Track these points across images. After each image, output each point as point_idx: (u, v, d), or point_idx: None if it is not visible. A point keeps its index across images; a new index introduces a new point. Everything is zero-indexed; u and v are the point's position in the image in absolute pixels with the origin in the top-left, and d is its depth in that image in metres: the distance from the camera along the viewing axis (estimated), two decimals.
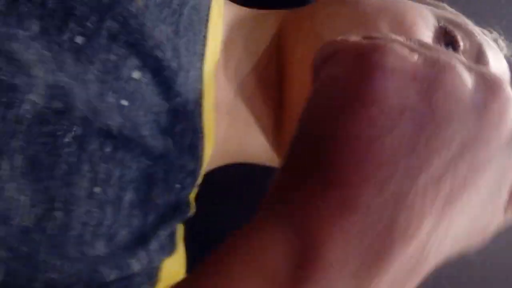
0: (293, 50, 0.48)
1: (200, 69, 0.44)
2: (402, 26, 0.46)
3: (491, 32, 0.54)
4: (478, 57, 0.48)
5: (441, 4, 0.54)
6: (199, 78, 0.44)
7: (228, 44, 0.49)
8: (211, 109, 0.46)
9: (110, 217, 0.39)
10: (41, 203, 0.36)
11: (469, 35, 0.49)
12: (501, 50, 0.52)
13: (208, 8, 0.45)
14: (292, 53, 0.48)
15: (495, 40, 0.53)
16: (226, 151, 0.51)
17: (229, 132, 0.50)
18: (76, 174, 0.37)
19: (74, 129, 0.36)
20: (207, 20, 0.44)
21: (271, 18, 0.52)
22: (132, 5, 0.38)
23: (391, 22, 0.46)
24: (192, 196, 0.47)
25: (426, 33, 0.47)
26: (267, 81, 0.49)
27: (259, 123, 0.50)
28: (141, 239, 0.42)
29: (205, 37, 0.44)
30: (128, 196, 0.40)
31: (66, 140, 0.36)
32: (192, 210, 0.47)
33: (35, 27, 0.35)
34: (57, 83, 0.36)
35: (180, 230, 0.48)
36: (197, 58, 0.43)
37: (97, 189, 0.38)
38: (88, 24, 0.37)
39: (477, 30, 0.50)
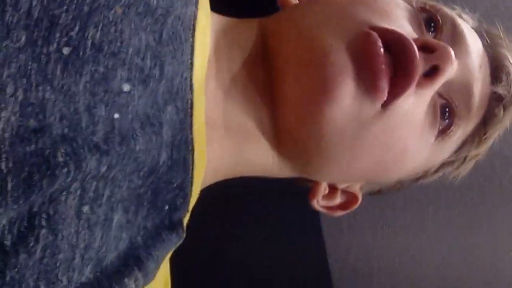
0: (278, 52, 0.48)
1: (189, 78, 0.42)
2: (377, 11, 0.47)
3: (454, 9, 0.56)
4: (453, 28, 0.51)
5: None
6: (187, 88, 0.42)
7: (215, 53, 0.48)
8: (202, 121, 0.44)
9: (99, 239, 0.37)
10: (19, 220, 0.34)
11: (441, 11, 0.51)
12: (467, 23, 0.55)
13: (194, 18, 0.44)
14: (278, 55, 0.48)
15: (459, 15, 0.55)
16: (221, 166, 0.49)
17: (224, 145, 0.48)
18: (65, 190, 0.35)
19: (61, 147, 0.34)
20: (193, 29, 0.43)
21: (250, 26, 0.51)
22: (111, 12, 0.37)
23: (366, 9, 0.47)
24: (185, 219, 0.45)
25: (400, 13, 0.49)
26: (257, 87, 0.48)
27: (255, 130, 0.49)
28: (132, 261, 0.40)
29: (192, 46, 0.43)
30: (117, 217, 0.39)
31: (60, 159, 0.34)
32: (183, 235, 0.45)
33: (22, 38, 0.34)
34: (32, 101, 0.34)
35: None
36: (185, 67, 0.42)
37: (85, 208, 0.36)
38: (73, 33, 0.36)
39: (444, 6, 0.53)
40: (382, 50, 0.43)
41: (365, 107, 0.45)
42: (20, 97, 0.34)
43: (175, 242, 0.43)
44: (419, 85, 0.45)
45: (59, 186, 0.35)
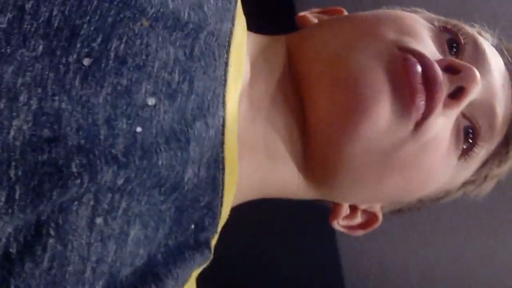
0: (308, 71, 0.47)
1: (221, 95, 0.41)
2: (405, 31, 0.47)
3: (473, 26, 0.56)
4: (475, 47, 0.51)
5: (419, 10, 0.56)
6: (220, 105, 0.41)
7: (249, 71, 0.47)
8: (234, 140, 0.43)
9: (112, 254, 0.36)
10: (26, 228, 0.33)
11: (462, 30, 0.51)
12: (487, 40, 0.54)
13: (230, 34, 0.43)
14: (308, 74, 0.47)
15: (479, 33, 0.55)
16: (247, 187, 0.48)
17: (251, 165, 0.47)
18: (77, 200, 0.34)
19: (76, 158, 0.34)
20: (228, 46, 0.42)
21: (280, 43, 0.51)
22: (137, 25, 0.36)
23: (394, 28, 0.47)
24: (213, 240, 0.44)
25: (425, 32, 0.49)
26: (287, 106, 0.47)
27: (284, 151, 0.48)
28: (150, 278, 0.39)
29: (226, 63, 0.42)
30: (134, 232, 0.37)
31: (74, 170, 0.34)
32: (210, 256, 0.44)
33: (39, 47, 0.34)
34: (47, 110, 0.34)
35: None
36: (217, 83, 0.41)
37: (99, 220, 0.36)
38: (95, 45, 0.35)
39: (465, 25, 0.53)
40: (420, 70, 0.44)
41: (399, 128, 0.45)
42: (34, 106, 0.33)
43: (198, 262, 0.42)
44: (445, 105, 0.45)
45: (70, 197, 0.34)
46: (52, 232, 0.34)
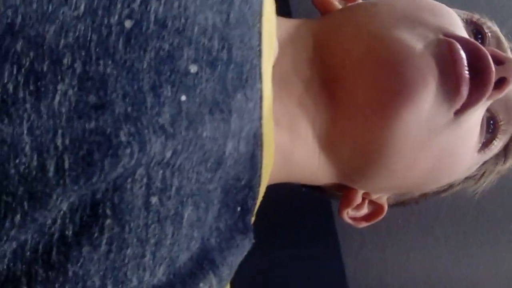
0: (346, 52, 0.46)
1: (258, 66, 0.39)
2: (444, 17, 0.46)
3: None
4: (498, 44, 0.51)
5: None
6: (257, 76, 0.39)
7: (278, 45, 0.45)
8: (270, 114, 0.41)
9: (170, 236, 0.34)
10: (81, 207, 0.31)
11: (485, 25, 0.51)
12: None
13: (261, 3, 0.41)
14: (347, 54, 0.45)
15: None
16: (274, 167, 0.45)
17: (277, 143, 0.44)
18: (130, 177, 0.32)
19: (125, 126, 0.31)
20: (260, 15, 0.40)
21: (303, 26, 0.50)
22: None
23: (431, 13, 0.46)
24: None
25: (458, 22, 0.48)
26: (313, 86, 0.46)
27: (305, 130, 0.46)
28: (207, 264, 0.37)
29: (260, 33, 0.40)
30: (188, 213, 0.35)
31: (123, 139, 0.31)
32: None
33: (81, 5, 0.31)
34: (92, 75, 0.31)
35: None
36: (253, 54, 0.39)
37: (154, 199, 0.33)
38: (134, 6, 0.33)
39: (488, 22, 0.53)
40: (465, 57, 0.43)
41: (440, 114, 0.43)
42: (79, 70, 0.31)
43: (247, 248, 0.40)
44: (490, 95, 0.44)
45: (123, 170, 0.31)
46: (108, 212, 0.31)
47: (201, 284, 0.35)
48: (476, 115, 0.45)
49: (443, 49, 0.43)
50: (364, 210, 0.55)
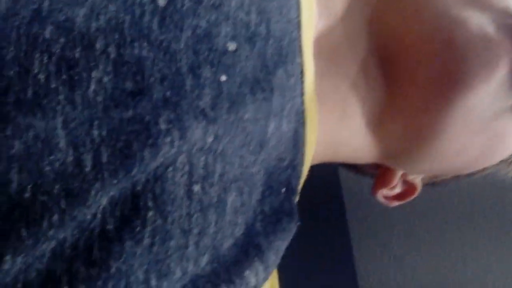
0: (409, 29, 0.43)
1: (298, 40, 0.37)
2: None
3: None
4: None
5: None
6: (297, 50, 0.37)
7: (319, 15, 0.42)
8: (312, 89, 0.39)
9: (213, 225, 0.32)
10: (122, 201, 0.29)
11: None
12: None
13: None
14: (409, 32, 0.43)
15: None
16: (318, 146, 0.43)
17: (321, 121, 0.43)
18: (171, 165, 0.30)
19: (164, 113, 0.29)
20: None
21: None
22: None
23: None
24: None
25: None
26: (363, 62, 0.43)
27: (354, 106, 0.44)
28: (252, 250, 0.35)
29: (298, 3, 0.38)
30: (231, 199, 0.33)
31: (162, 127, 0.29)
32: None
33: None
34: (127, 59, 0.29)
35: None
36: (293, 26, 0.37)
37: (196, 187, 0.31)
38: None
39: None
40: None
41: (502, 99, 0.42)
42: (113, 54, 0.29)
43: (293, 231, 0.38)
44: None
45: (164, 159, 0.30)
46: (150, 203, 0.29)
47: (246, 271, 0.34)
48: None
49: None
50: (397, 190, 0.53)
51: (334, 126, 0.44)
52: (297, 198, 0.40)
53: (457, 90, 0.41)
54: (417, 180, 0.53)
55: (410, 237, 1.03)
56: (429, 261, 1.06)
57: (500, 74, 0.40)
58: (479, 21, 0.41)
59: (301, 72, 0.38)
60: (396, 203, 0.54)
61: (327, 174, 0.89)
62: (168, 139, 0.29)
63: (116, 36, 0.29)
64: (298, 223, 0.39)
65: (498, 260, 1.05)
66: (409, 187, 0.53)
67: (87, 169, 0.28)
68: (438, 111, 0.42)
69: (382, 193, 0.52)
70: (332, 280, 1.00)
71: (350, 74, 0.43)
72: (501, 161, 0.52)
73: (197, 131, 0.30)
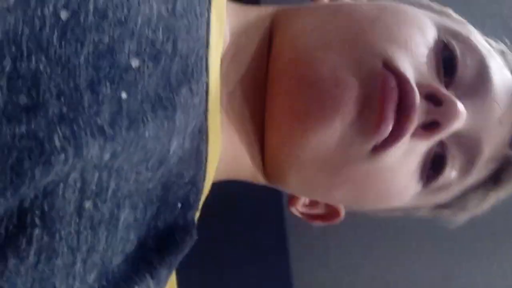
0: (278, 58, 0.43)
1: (204, 58, 0.37)
2: (398, 39, 0.43)
3: (497, 42, 0.52)
4: (479, 71, 0.45)
5: (446, 10, 0.51)
6: (203, 69, 0.37)
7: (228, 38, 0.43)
8: (217, 107, 0.39)
9: (104, 242, 0.32)
10: (7, 217, 0.28)
11: (470, 48, 0.46)
12: (507, 63, 0.49)
13: None
14: (278, 61, 0.43)
15: (502, 53, 0.50)
16: (220, 163, 0.43)
17: (224, 140, 0.43)
18: (62, 182, 0.30)
19: (59, 129, 0.29)
20: (209, 3, 0.38)
21: (263, 16, 0.47)
22: None
23: (388, 34, 0.43)
24: (195, 218, 0.41)
25: (422, 47, 0.44)
26: (255, 89, 0.44)
27: (245, 135, 0.44)
28: (143, 266, 0.35)
29: (208, 22, 0.38)
30: (124, 215, 0.33)
31: (57, 143, 0.29)
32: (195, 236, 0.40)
33: None
34: (23, 73, 0.28)
35: None
36: (200, 45, 0.37)
37: (87, 204, 0.31)
38: None
39: (480, 41, 0.48)
40: (396, 96, 0.40)
41: (355, 146, 0.41)
42: (8, 68, 0.28)
43: (189, 245, 0.38)
44: (414, 135, 0.41)
45: (55, 177, 0.29)
46: (37, 220, 0.29)
47: (136, 287, 0.34)
48: (400, 153, 0.42)
49: (375, 82, 0.40)
50: (319, 210, 0.54)
51: (236, 146, 0.44)
52: (197, 214, 0.40)
53: (299, 128, 0.41)
54: (339, 205, 0.53)
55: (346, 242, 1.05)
56: (361, 264, 1.09)
57: (342, 120, 0.40)
58: (335, 66, 0.41)
59: (206, 91, 0.38)
60: (319, 223, 0.54)
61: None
62: (62, 157, 0.29)
63: (13, 49, 0.28)
64: (195, 238, 0.39)
65: (426, 265, 1.08)
66: (332, 210, 0.54)
67: None
68: (289, 147, 0.42)
69: (298, 210, 0.53)
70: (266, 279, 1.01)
71: (239, 95, 0.43)
72: (442, 207, 0.52)
73: (93, 149, 0.30)
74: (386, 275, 1.09)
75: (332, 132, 0.40)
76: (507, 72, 0.48)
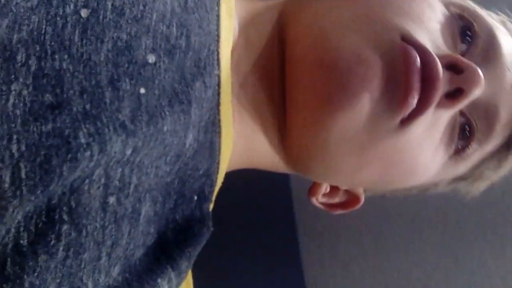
0: (295, 45, 0.44)
1: (215, 52, 0.38)
2: (411, 16, 0.43)
3: (497, 14, 0.53)
4: (490, 40, 0.47)
5: None
6: (215, 62, 0.38)
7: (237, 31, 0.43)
8: (229, 100, 0.40)
9: (126, 235, 0.33)
10: (36, 214, 0.29)
11: (479, 19, 0.47)
12: (509, 31, 0.51)
13: None
14: (294, 48, 0.44)
15: (503, 23, 0.52)
16: (234, 154, 0.44)
17: (238, 130, 0.43)
18: (87, 178, 0.30)
19: (84, 126, 0.29)
20: None
21: (270, 9, 0.47)
22: None
23: (400, 12, 0.43)
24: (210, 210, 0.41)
25: (433, 21, 0.45)
26: (269, 78, 0.44)
27: (262, 123, 0.45)
28: (164, 259, 0.36)
29: (218, 16, 0.38)
30: (145, 209, 0.34)
31: (82, 140, 0.29)
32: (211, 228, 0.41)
33: None
34: (47, 71, 0.29)
35: None
36: (211, 39, 0.37)
37: (111, 199, 0.31)
38: None
39: (484, 13, 0.49)
40: (419, 66, 0.40)
41: (383, 122, 0.41)
42: (34, 67, 0.29)
43: (206, 236, 0.39)
44: (439, 105, 0.42)
45: (81, 173, 0.29)
46: (65, 217, 0.29)
47: (159, 280, 0.34)
48: (427, 124, 0.43)
49: (396, 56, 0.40)
50: (339, 198, 0.54)
51: (248, 136, 0.45)
52: (211, 205, 0.41)
53: (325, 111, 0.41)
54: (359, 190, 0.54)
55: (357, 243, 1.04)
56: (374, 267, 1.08)
57: (364, 98, 0.40)
58: (354, 45, 0.41)
59: (218, 84, 0.38)
60: (339, 211, 0.55)
61: (277, 181, 0.90)
62: (87, 153, 0.29)
63: (38, 48, 0.29)
64: (211, 229, 0.40)
65: (442, 266, 1.07)
66: (352, 197, 0.54)
67: (6, 185, 0.27)
68: (314, 130, 0.42)
69: (318, 200, 0.53)
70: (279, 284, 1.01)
71: (254, 85, 0.44)
72: (459, 179, 0.53)
73: (116, 144, 0.30)
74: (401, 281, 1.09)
75: (360, 110, 0.40)
76: (510, 38, 0.50)
